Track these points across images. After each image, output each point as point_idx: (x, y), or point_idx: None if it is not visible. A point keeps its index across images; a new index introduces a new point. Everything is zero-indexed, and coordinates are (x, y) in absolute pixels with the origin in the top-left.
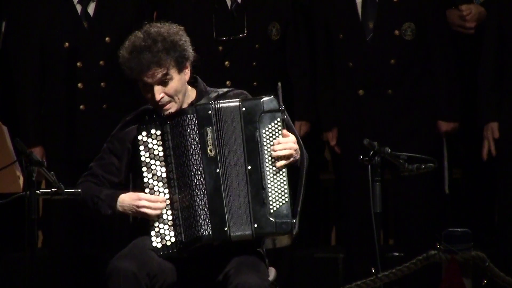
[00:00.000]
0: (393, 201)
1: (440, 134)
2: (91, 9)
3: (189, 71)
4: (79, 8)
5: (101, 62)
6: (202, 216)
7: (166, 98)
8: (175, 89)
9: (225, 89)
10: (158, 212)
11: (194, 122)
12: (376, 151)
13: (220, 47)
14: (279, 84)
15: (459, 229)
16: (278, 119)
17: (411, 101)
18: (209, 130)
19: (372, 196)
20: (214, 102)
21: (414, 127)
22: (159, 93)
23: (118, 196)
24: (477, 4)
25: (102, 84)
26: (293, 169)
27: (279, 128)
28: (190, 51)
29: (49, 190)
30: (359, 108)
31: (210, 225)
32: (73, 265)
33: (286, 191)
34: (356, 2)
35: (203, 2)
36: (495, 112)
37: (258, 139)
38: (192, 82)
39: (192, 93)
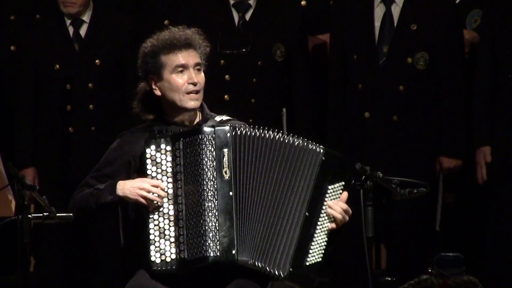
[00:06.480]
0: (385, 226)
1: (441, 171)
2: (83, 31)
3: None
4: (71, 30)
5: (90, 85)
6: (211, 237)
7: (199, 86)
8: (203, 82)
9: (227, 117)
10: (161, 193)
11: (212, 143)
12: (368, 175)
13: (222, 61)
14: (284, 110)
15: (451, 254)
16: (343, 183)
17: (415, 131)
18: (225, 152)
19: (364, 220)
20: (250, 127)
21: (413, 157)
22: (196, 76)
23: (117, 182)
24: (470, 30)
25: (91, 106)
26: None
27: (340, 191)
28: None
29: (41, 214)
30: (363, 130)
31: (218, 247)
32: None
33: (324, 250)
34: (374, 25)
35: (211, 17)
36: (488, 136)
37: (323, 191)
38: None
39: (196, 114)
